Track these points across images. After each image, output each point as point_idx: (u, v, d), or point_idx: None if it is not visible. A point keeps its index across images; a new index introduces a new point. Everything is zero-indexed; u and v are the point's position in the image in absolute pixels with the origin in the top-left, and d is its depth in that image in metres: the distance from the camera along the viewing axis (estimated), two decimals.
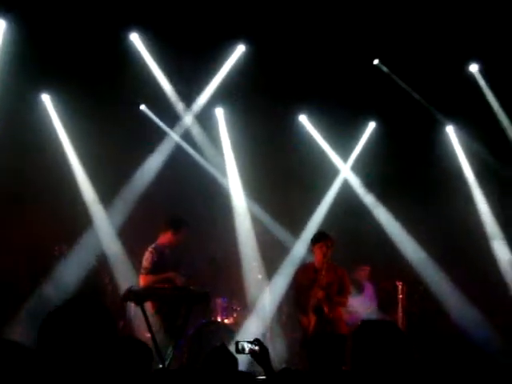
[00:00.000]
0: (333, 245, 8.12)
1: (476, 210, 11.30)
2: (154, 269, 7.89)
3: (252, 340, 4.18)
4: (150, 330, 7.19)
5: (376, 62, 10.40)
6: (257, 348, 4.10)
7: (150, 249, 8.01)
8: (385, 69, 10.45)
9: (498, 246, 11.02)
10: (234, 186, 11.21)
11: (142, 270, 7.97)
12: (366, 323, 3.50)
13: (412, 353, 3.38)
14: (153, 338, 7.06)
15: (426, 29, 9.19)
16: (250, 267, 10.45)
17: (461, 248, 10.54)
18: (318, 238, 8.25)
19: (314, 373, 4.47)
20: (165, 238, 8.14)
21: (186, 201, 10.16)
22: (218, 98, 10.71)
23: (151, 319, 7.33)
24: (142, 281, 7.90)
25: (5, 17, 8.85)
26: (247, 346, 4.11)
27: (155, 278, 7.78)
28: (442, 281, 10.69)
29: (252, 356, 4.15)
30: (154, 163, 10.51)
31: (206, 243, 10.04)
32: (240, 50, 10.16)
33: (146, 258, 7.94)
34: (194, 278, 8.35)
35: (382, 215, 11.40)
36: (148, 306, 7.50)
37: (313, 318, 8.00)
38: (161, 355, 6.88)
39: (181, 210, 9.40)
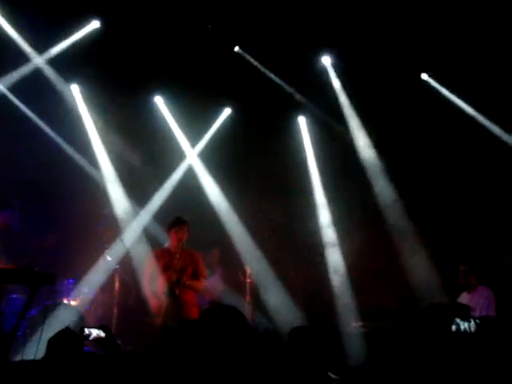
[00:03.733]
0: (188, 230, 8.20)
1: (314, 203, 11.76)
2: None
3: (98, 326, 4.14)
4: None
5: (237, 48, 10.48)
6: (103, 335, 4.06)
7: None
8: (246, 55, 10.55)
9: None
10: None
11: None
12: (210, 310, 3.57)
13: (254, 338, 3.50)
14: None
15: (287, 16, 9.37)
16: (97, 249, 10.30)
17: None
18: (174, 223, 8.27)
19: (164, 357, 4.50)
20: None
21: None
22: (73, 72, 10.45)
23: None
24: None
25: None
26: (94, 332, 4.07)
27: None
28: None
29: (97, 342, 4.10)
30: None
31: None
32: (94, 25, 9.97)
33: None
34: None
35: (222, 203, 11.56)
36: None
37: (165, 302, 8.00)
38: None
39: None
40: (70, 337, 4.41)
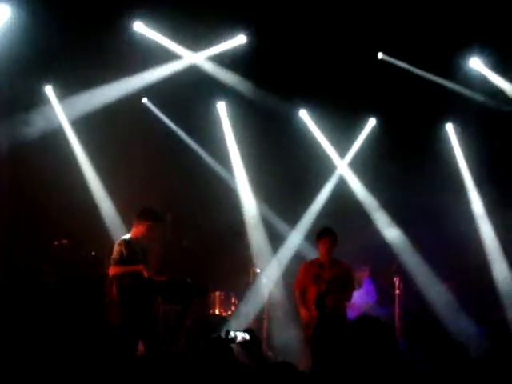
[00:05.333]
0: (336, 240, 8.20)
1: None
2: (122, 260, 7.72)
3: (244, 330, 4.14)
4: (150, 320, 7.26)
5: (380, 55, 10.26)
6: (248, 338, 4.05)
7: (118, 241, 7.89)
8: (391, 60, 10.26)
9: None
10: (235, 180, 11.39)
11: (112, 261, 7.80)
12: (360, 321, 3.51)
13: (399, 351, 3.41)
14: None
15: (431, 14, 9.07)
16: (248, 261, 10.52)
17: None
18: (322, 234, 8.29)
19: (316, 371, 4.44)
20: (134, 230, 8.02)
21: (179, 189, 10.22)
22: (221, 91, 10.74)
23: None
24: (111, 271, 7.72)
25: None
26: (239, 336, 4.07)
27: (124, 269, 7.62)
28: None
29: (242, 346, 4.10)
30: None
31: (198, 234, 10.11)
32: (240, 40, 9.94)
33: (115, 250, 7.79)
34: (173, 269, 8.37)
35: (380, 215, 11.44)
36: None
37: (315, 313, 7.97)
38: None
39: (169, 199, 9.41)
40: (221, 343, 4.48)
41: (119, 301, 7.55)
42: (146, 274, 7.55)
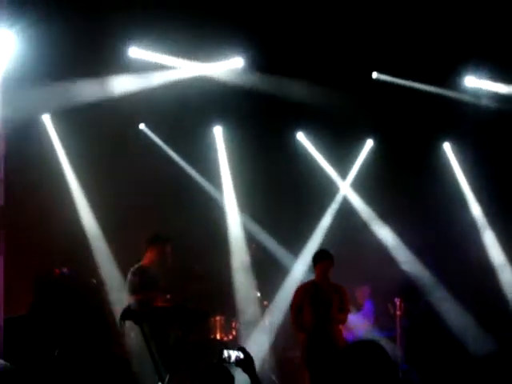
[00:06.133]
0: (333, 263, 8.24)
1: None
2: (135, 289, 7.86)
3: (237, 348, 4.19)
4: (149, 349, 7.19)
5: (375, 75, 10.30)
6: (242, 356, 4.10)
7: (133, 270, 8.02)
8: (387, 78, 10.29)
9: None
10: (229, 203, 11.27)
11: (128, 291, 7.97)
12: (353, 345, 3.51)
13: (397, 375, 3.39)
14: (152, 357, 7.07)
15: (428, 32, 9.14)
16: (246, 285, 10.47)
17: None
18: (320, 257, 8.36)
19: None
20: (146, 256, 8.16)
21: (178, 215, 10.17)
22: (216, 115, 10.76)
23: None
24: (129, 301, 7.85)
25: None
26: (233, 354, 4.11)
27: (139, 297, 7.73)
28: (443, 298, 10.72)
29: (237, 364, 4.15)
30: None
31: (196, 259, 10.10)
32: (237, 62, 9.92)
33: (129, 280, 7.95)
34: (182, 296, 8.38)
35: (383, 232, 11.42)
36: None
37: (312, 335, 8.05)
38: (160, 375, 6.88)
39: (171, 224, 9.43)
40: (222, 369, 4.52)
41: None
42: (160, 301, 7.71)
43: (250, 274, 10.63)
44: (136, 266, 8.09)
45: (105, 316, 9.02)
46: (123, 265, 9.57)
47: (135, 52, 9.46)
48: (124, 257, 9.77)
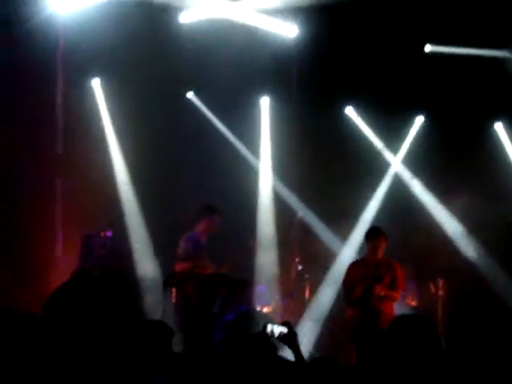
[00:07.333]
0: (386, 240, 8.16)
1: None
2: (187, 256, 8.05)
3: (281, 323, 4.15)
4: (186, 314, 7.29)
5: (428, 48, 10.01)
6: (286, 331, 4.07)
7: (184, 237, 8.26)
8: (440, 49, 10.02)
9: None
10: (273, 179, 11.11)
11: (178, 258, 8.20)
12: (398, 320, 3.47)
13: (442, 348, 3.34)
14: (186, 322, 7.20)
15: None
16: (288, 258, 10.41)
17: None
18: (371, 233, 8.32)
19: (358, 369, 4.39)
20: (199, 226, 8.36)
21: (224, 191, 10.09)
22: (264, 87, 10.64)
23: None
24: (177, 268, 8.09)
25: None
26: (276, 330, 4.08)
27: (189, 265, 7.95)
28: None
29: (281, 339, 4.12)
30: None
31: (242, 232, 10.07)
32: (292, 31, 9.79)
33: (181, 246, 8.18)
34: (227, 265, 8.43)
35: (435, 210, 11.17)
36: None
37: (359, 311, 8.06)
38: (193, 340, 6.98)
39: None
40: (262, 339, 4.48)
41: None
42: (209, 269, 7.96)
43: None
44: (189, 233, 8.29)
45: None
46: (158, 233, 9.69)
47: None
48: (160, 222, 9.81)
